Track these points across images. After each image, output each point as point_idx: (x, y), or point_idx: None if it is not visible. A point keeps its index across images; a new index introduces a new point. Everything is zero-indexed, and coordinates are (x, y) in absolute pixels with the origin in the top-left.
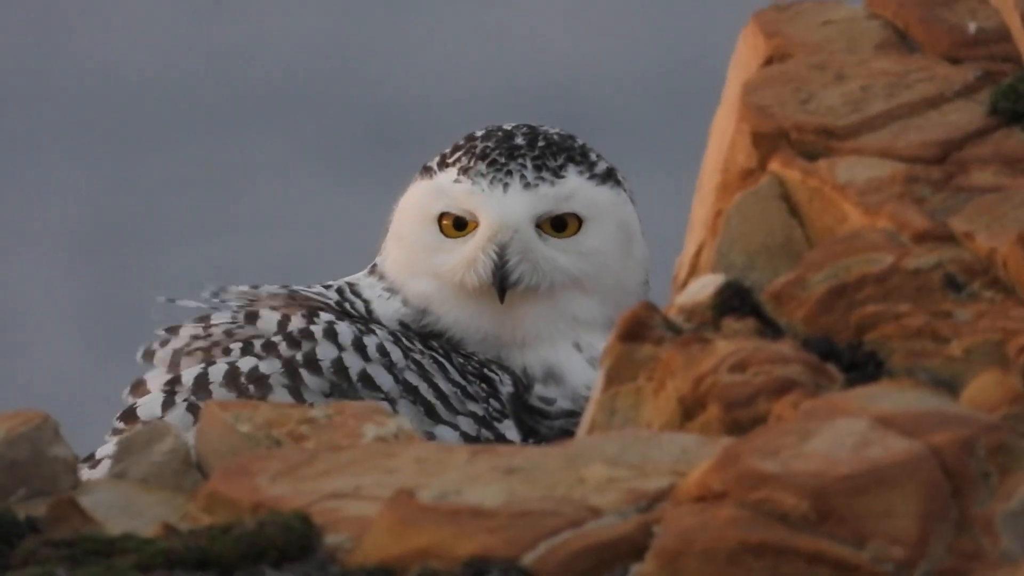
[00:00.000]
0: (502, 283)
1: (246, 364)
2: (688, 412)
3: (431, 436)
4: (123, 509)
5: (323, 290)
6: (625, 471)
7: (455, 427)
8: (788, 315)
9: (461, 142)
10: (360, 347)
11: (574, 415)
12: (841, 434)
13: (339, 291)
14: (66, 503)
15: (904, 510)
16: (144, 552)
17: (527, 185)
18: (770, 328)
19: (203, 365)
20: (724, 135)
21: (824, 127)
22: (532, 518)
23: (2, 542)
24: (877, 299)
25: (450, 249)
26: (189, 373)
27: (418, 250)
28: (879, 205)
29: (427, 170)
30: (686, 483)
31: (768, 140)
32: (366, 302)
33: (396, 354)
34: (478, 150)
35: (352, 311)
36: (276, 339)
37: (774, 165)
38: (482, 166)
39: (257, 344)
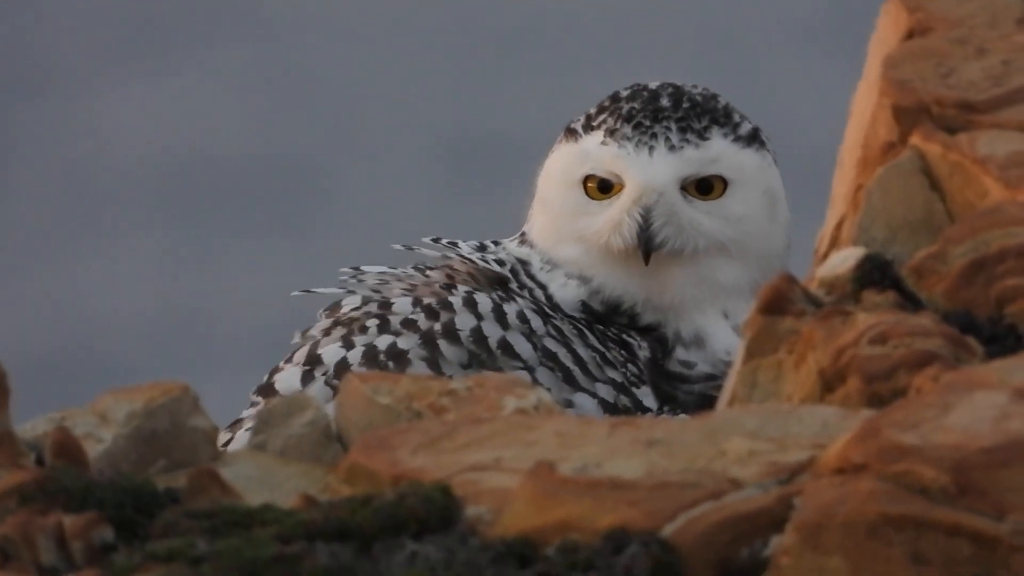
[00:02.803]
0: (647, 246)
1: (383, 342)
2: (828, 385)
3: (570, 403)
4: (262, 481)
5: (492, 264)
6: (765, 444)
7: (593, 394)
8: (928, 289)
9: (606, 102)
10: (500, 315)
11: (714, 379)
12: (981, 407)
13: (512, 271)
14: (206, 474)
15: None
16: (284, 523)
17: (672, 148)
18: (910, 302)
19: (342, 346)
20: (865, 109)
21: (965, 101)
22: (672, 490)
23: (142, 513)
24: (1017, 272)
25: (596, 212)
26: (329, 353)
27: (564, 214)
28: (1020, 179)
29: (571, 132)
30: (826, 456)
31: (909, 114)
32: (543, 286)
33: (536, 321)
34: (624, 111)
35: (528, 296)
36: (415, 313)
37: (915, 139)
38: (627, 129)
39: (395, 320)
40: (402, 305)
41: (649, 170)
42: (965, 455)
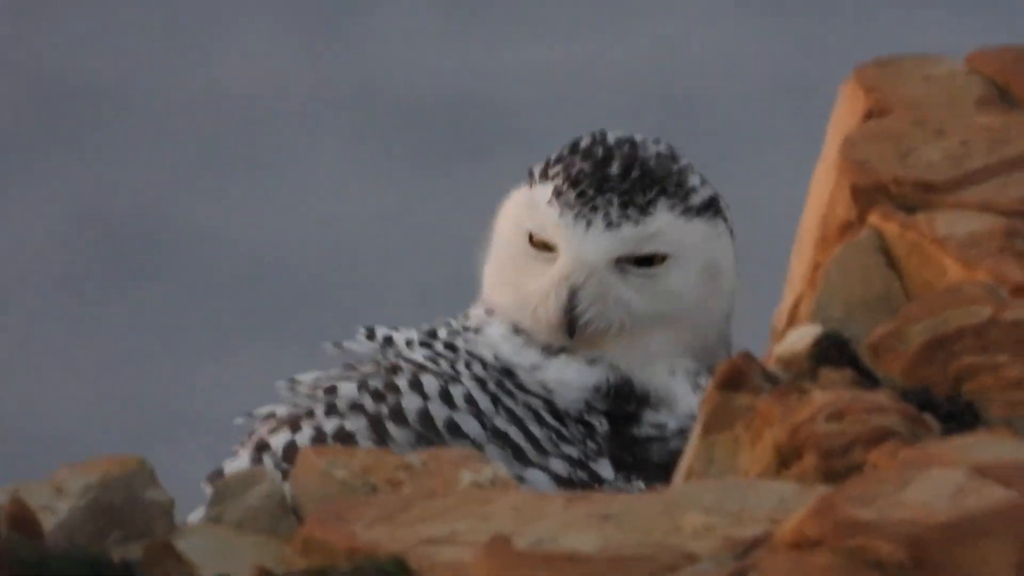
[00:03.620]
0: (570, 326)
1: (331, 425)
2: (785, 461)
3: (521, 479)
4: (218, 553)
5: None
6: (722, 518)
7: (545, 469)
8: (886, 367)
9: (565, 151)
10: (447, 397)
11: (684, 432)
12: (938, 483)
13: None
14: (161, 547)
15: (1000, 559)
16: None
17: (609, 224)
18: (868, 379)
19: (290, 433)
20: (824, 189)
21: (924, 181)
22: (628, 564)
23: None
24: (976, 351)
25: (535, 271)
26: (277, 441)
27: (507, 260)
28: (978, 259)
29: (530, 175)
30: (782, 531)
31: (868, 194)
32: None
33: (484, 402)
34: (573, 173)
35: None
36: (360, 396)
37: (873, 218)
38: (571, 196)
39: (341, 403)
40: (347, 390)
41: (583, 246)
42: (922, 530)
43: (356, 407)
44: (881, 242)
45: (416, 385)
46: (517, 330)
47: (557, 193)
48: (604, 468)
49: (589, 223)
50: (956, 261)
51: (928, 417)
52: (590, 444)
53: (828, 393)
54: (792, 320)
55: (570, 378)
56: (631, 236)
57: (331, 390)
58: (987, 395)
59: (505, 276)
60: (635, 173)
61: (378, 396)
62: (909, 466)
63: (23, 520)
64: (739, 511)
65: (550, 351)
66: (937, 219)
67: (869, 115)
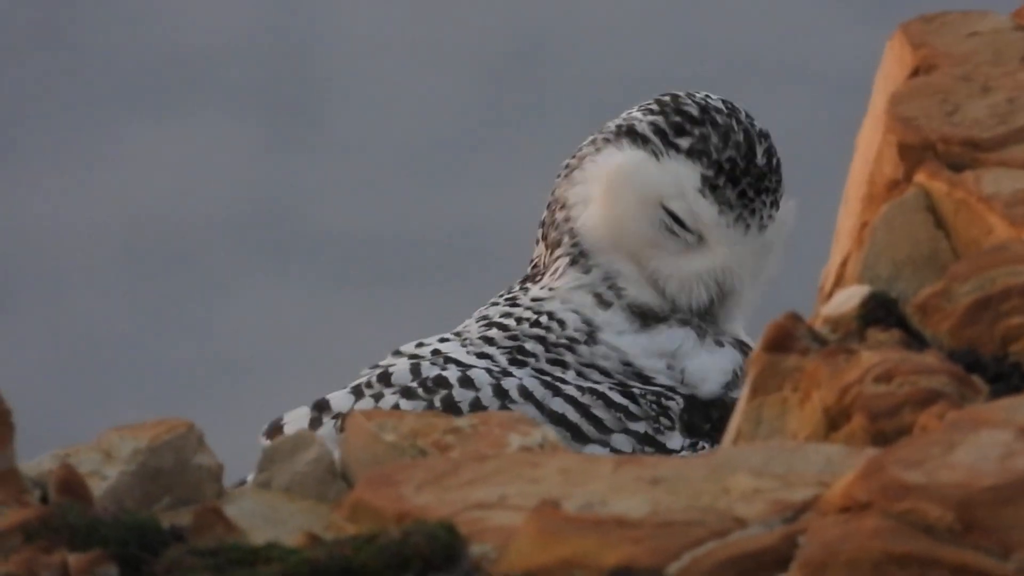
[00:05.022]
0: (712, 316)
1: (387, 403)
2: (833, 423)
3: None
4: (267, 518)
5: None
6: (770, 481)
7: (606, 444)
8: (933, 327)
9: (693, 121)
10: (500, 392)
11: None
12: (986, 445)
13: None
14: (210, 512)
15: None
16: (288, 561)
17: (762, 227)
18: (915, 340)
19: (352, 397)
20: (871, 147)
21: (970, 139)
22: (676, 528)
23: (147, 550)
24: (1022, 311)
25: (668, 247)
26: (336, 399)
27: (629, 227)
28: None
29: (638, 138)
30: (831, 494)
31: (914, 152)
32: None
33: (539, 391)
34: (723, 161)
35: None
36: (413, 384)
37: (920, 177)
38: (732, 195)
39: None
40: (401, 375)
41: (741, 250)
42: (970, 493)
43: (411, 392)
44: (928, 200)
45: (466, 381)
46: (604, 301)
47: (712, 187)
48: (672, 439)
49: (748, 227)
50: (1003, 219)
51: (976, 378)
52: (664, 421)
53: (876, 354)
54: (839, 280)
55: (710, 367)
56: (773, 234)
57: (384, 376)
58: None
59: (623, 241)
60: (775, 166)
61: (428, 390)
62: (957, 428)
63: (72, 485)
64: (787, 474)
65: (652, 318)
66: (984, 177)
67: (916, 71)
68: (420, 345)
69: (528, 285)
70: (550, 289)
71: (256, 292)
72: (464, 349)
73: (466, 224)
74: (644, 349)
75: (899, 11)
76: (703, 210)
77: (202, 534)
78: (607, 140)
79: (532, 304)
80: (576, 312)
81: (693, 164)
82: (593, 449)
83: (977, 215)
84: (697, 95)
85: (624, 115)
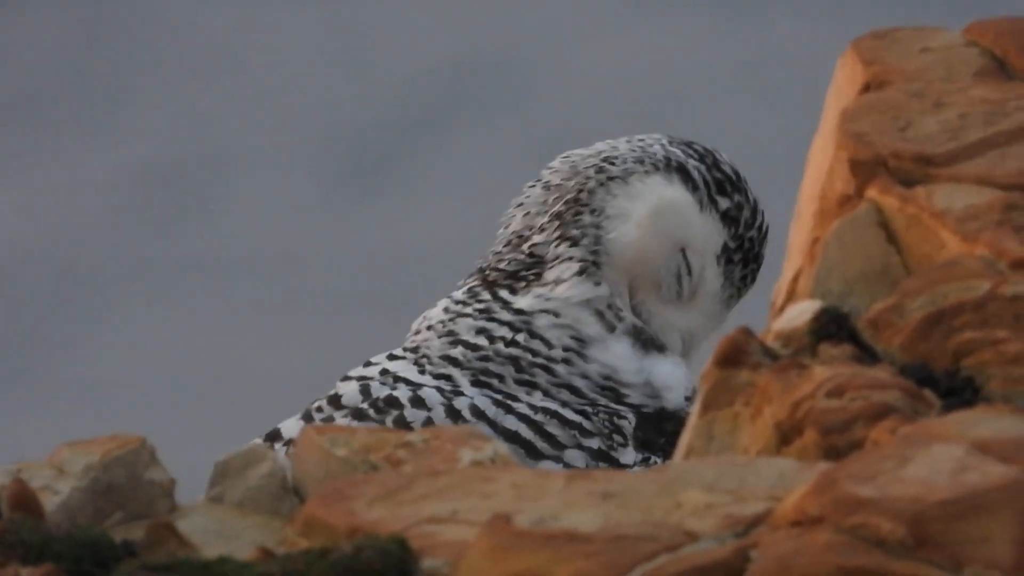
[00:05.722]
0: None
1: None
2: (785, 437)
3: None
4: (219, 533)
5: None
6: (722, 496)
7: (559, 460)
8: (886, 342)
9: (731, 181)
10: (452, 412)
11: None
12: (938, 460)
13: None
14: (163, 527)
15: (1002, 536)
16: (240, 575)
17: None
18: (868, 354)
19: (302, 422)
20: (822, 162)
21: (922, 154)
22: (628, 543)
23: (100, 566)
24: (975, 326)
25: (662, 290)
26: (288, 427)
27: (651, 263)
28: (977, 232)
29: (690, 181)
30: (783, 508)
31: (866, 167)
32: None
33: (491, 411)
34: (746, 241)
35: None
36: (363, 406)
37: (872, 192)
38: (737, 274)
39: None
40: (351, 396)
41: (712, 324)
42: (923, 507)
43: (361, 415)
44: (880, 216)
45: (417, 401)
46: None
47: (728, 259)
48: (626, 455)
49: (728, 307)
50: (954, 235)
51: (928, 393)
52: (616, 438)
53: (828, 369)
54: (791, 295)
55: (674, 380)
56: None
57: (334, 399)
58: (986, 370)
59: (637, 269)
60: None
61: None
62: (909, 443)
63: (24, 500)
64: (739, 488)
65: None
66: (935, 192)
67: (867, 87)
68: (368, 365)
69: (505, 290)
70: (546, 299)
71: (134, 313)
72: (416, 368)
73: (363, 250)
74: (635, 368)
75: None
76: (711, 276)
77: (155, 549)
78: (656, 167)
79: (514, 319)
80: (568, 328)
81: (723, 229)
82: (547, 465)
83: (929, 230)
84: (723, 157)
85: (660, 144)
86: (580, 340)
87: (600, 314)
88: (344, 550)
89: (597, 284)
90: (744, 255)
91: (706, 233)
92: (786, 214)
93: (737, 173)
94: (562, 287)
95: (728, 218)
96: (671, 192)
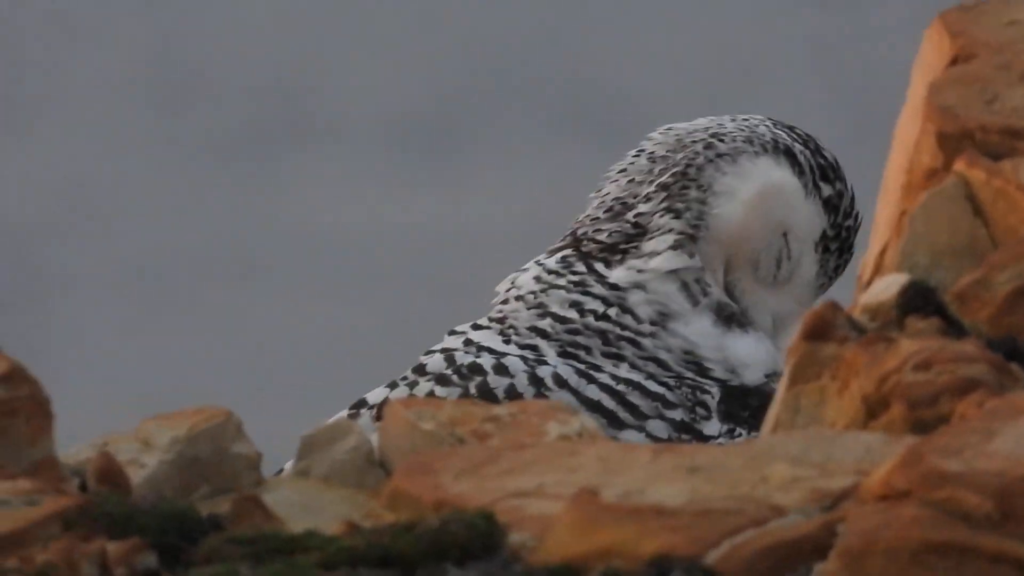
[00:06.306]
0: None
1: (422, 390)
2: (872, 411)
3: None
4: (305, 507)
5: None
6: (809, 470)
7: (642, 429)
8: (972, 315)
9: (834, 168)
10: (535, 380)
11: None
12: None
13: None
14: (249, 500)
15: None
16: (326, 550)
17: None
18: (954, 328)
19: (388, 389)
20: (909, 136)
21: (1009, 127)
22: (715, 517)
23: (185, 539)
24: None
25: (759, 271)
26: (374, 395)
27: (752, 242)
28: None
29: (797, 165)
30: (869, 482)
31: (953, 140)
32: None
33: (574, 379)
34: (844, 230)
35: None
36: (447, 372)
37: (959, 165)
38: (831, 264)
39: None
40: (435, 364)
41: (803, 309)
42: (1009, 482)
43: (445, 380)
44: (967, 189)
45: (500, 368)
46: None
47: (825, 247)
48: (709, 426)
49: (818, 296)
50: None
51: (1015, 367)
52: (699, 410)
53: (915, 342)
54: (878, 269)
55: (754, 358)
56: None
57: (420, 368)
58: None
59: (737, 247)
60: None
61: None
62: (996, 416)
63: (111, 474)
64: (826, 462)
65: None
66: (1022, 166)
67: (954, 60)
68: (453, 334)
69: (601, 263)
70: (639, 271)
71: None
72: (501, 338)
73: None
74: (715, 344)
75: None
76: (807, 263)
77: (240, 523)
78: (765, 149)
79: (608, 293)
80: (657, 303)
81: (824, 216)
82: (629, 435)
83: (1015, 204)
84: (823, 144)
85: (766, 125)
86: (664, 315)
87: (686, 286)
88: (430, 524)
89: (691, 256)
90: (840, 244)
91: (809, 219)
92: (872, 189)
93: (836, 161)
94: (656, 259)
95: (830, 205)
96: (780, 175)
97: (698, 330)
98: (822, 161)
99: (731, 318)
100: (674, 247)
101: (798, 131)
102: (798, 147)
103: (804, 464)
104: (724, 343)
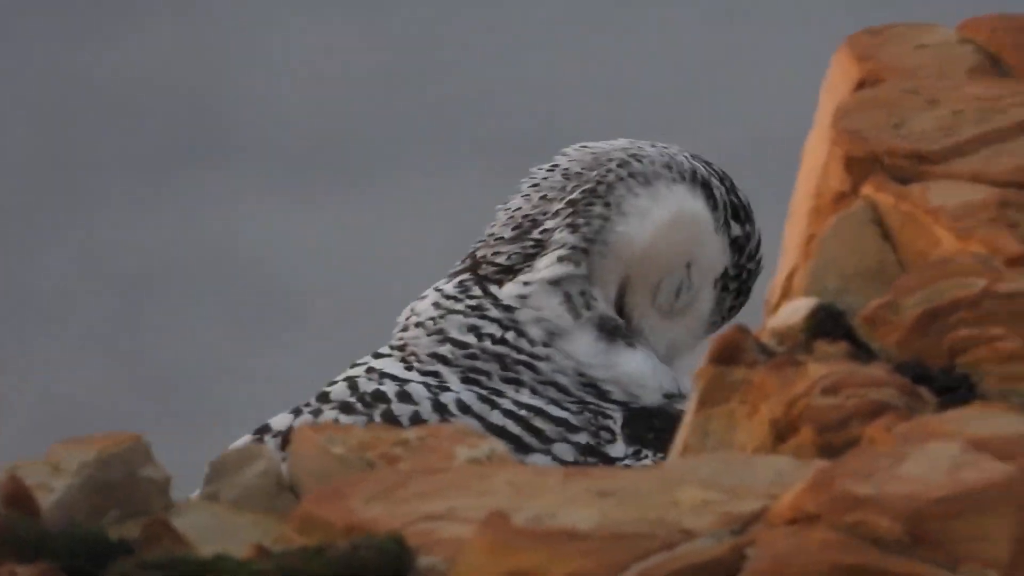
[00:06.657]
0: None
1: (326, 418)
2: (781, 435)
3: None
4: (215, 531)
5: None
6: (719, 494)
7: (547, 453)
8: (881, 339)
9: (745, 209)
10: (439, 406)
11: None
12: (935, 457)
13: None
14: (159, 524)
15: (998, 533)
16: (237, 574)
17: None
18: (863, 352)
19: (292, 416)
20: (817, 159)
21: (917, 152)
22: (626, 540)
23: (96, 563)
24: (970, 323)
25: (656, 298)
26: (277, 421)
27: (654, 267)
28: (971, 229)
29: (712, 200)
30: (779, 506)
31: (861, 164)
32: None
33: (477, 406)
34: (744, 273)
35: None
36: (351, 400)
37: (867, 189)
38: (727, 304)
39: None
40: (339, 391)
41: (692, 345)
42: (919, 505)
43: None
44: (875, 213)
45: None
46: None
47: (724, 287)
48: (615, 448)
49: (709, 334)
50: (949, 232)
51: (924, 390)
52: (603, 434)
53: (824, 366)
54: (786, 292)
55: (645, 377)
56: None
57: (323, 396)
58: (982, 368)
59: (637, 269)
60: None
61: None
62: (906, 440)
63: (20, 498)
64: (736, 486)
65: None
66: (930, 190)
67: (861, 84)
68: (355, 365)
69: (495, 285)
70: (524, 284)
71: None
72: (403, 365)
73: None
74: (603, 362)
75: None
76: (705, 299)
77: (151, 547)
78: (683, 177)
79: (502, 316)
80: (543, 319)
81: (729, 255)
82: (536, 459)
83: (924, 228)
84: (738, 185)
85: (684, 156)
86: (552, 333)
87: (569, 297)
88: (341, 547)
89: (576, 265)
90: (739, 285)
91: (714, 254)
92: (772, 214)
93: (749, 203)
94: (541, 271)
95: (736, 245)
96: (694, 205)
97: (582, 346)
98: (735, 200)
99: (615, 331)
100: (560, 259)
101: (715, 166)
102: (715, 182)
103: (715, 488)
104: (612, 360)
